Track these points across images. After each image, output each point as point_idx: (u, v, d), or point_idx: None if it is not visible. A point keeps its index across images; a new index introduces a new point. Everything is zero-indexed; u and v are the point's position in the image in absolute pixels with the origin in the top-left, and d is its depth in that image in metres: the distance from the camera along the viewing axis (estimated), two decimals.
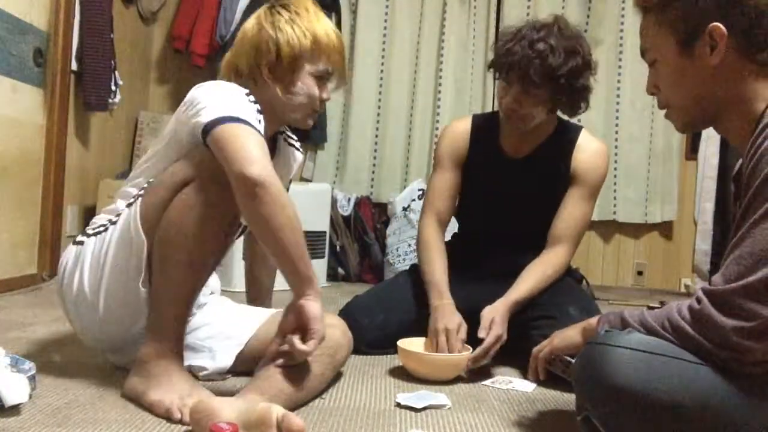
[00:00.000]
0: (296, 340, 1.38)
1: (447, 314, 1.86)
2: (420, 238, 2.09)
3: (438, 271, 1.98)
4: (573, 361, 1.49)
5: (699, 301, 1.05)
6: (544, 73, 1.84)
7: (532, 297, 1.92)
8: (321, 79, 1.60)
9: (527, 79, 1.85)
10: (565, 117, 2.11)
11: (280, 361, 1.39)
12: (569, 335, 1.37)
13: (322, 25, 1.60)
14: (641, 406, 1.04)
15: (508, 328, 1.83)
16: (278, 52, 1.55)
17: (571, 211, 2.02)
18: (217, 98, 1.44)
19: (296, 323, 1.40)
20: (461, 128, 2.15)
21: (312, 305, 1.39)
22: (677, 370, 1.04)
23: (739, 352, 1.03)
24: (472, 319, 1.88)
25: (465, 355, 1.79)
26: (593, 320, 1.30)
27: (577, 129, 2.10)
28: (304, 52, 1.56)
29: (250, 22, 1.62)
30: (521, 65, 1.85)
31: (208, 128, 1.39)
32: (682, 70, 1.18)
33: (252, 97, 1.52)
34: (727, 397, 1.04)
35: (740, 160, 1.28)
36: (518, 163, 2.07)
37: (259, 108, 1.52)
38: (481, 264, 2.12)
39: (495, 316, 1.83)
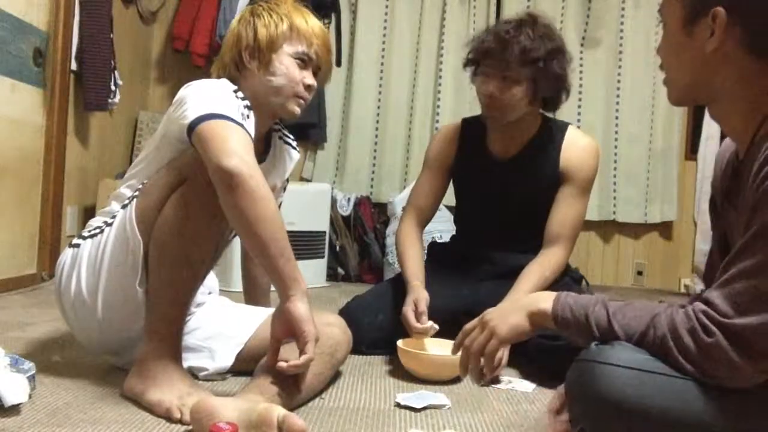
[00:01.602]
0: (284, 364, 1.34)
1: (414, 290, 1.93)
2: (398, 237, 2.13)
3: (411, 268, 2.02)
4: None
5: (709, 333, 0.99)
6: (521, 54, 1.87)
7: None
8: (302, 62, 1.61)
9: (505, 62, 1.88)
10: (550, 114, 2.10)
11: (283, 364, 1.36)
12: (516, 324, 1.21)
13: (302, 15, 1.63)
14: (635, 422, 1.02)
15: None
16: (255, 34, 1.58)
17: (565, 211, 2.02)
18: (203, 96, 1.45)
19: (285, 328, 1.37)
20: (450, 132, 2.18)
21: (297, 306, 1.35)
22: (669, 386, 1.02)
23: (746, 383, 1.00)
24: (472, 320, 1.87)
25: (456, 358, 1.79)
26: (543, 304, 1.18)
27: (564, 126, 2.10)
28: (280, 34, 1.59)
29: (235, 20, 1.66)
30: (498, 49, 1.88)
31: (192, 126, 1.39)
32: (680, 45, 1.11)
33: (240, 93, 1.53)
34: (720, 412, 1.02)
35: (724, 149, 1.25)
36: (506, 163, 2.08)
37: (248, 104, 1.53)
38: (478, 266, 2.12)
39: None
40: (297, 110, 1.64)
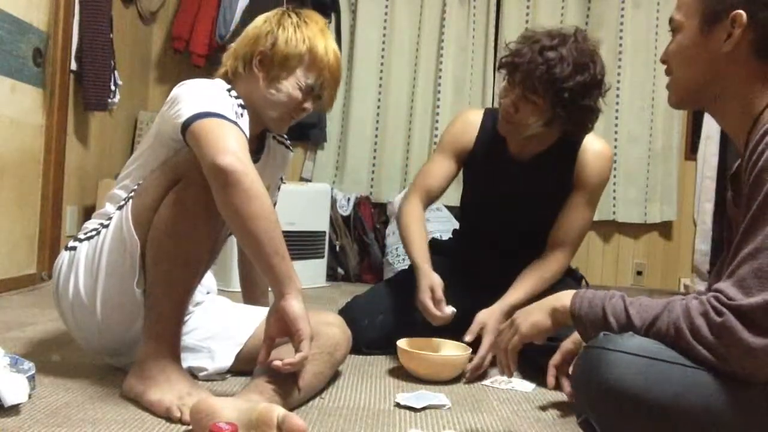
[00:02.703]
0: (279, 362, 1.34)
1: (427, 275, 1.87)
2: (402, 214, 2.05)
3: (418, 250, 1.96)
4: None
5: (719, 313, 1.01)
6: (548, 82, 1.79)
7: (529, 301, 1.88)
8: (307, 92, 1.62)
9: (529, 84, 1.81)
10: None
11: (278, 362, 1.35)
12: (537, 321, 1.29)
13: (325, 42, 1.62)
14: (640, 410, 1.03)
15: None
16: (274, 46, 1.58)
17: (573, 217, 2.01)
18: (196, 95, 1.45)
19: (280, 326, 1.37)
20: (471, 120, 2.13)
21: (292, 305, 1.35)
22: (677, 375, 1.03)
23: (760, 368, 1.00)
24: (472, 319, 1.87)
25: (465, 355, 1.79)
26: (564, 300, 1.23)
27: None
28: (296, 56, 1.58)
29: (261, 17, 1.65)
30: (526, 68, 1.81)
31: (186, 125, 1.39)
32: (694, 46, 1.16)
33: (234, 92, 1.54)
34: (727, 403, 1.02)
35: (737, 161, 1.27)
36: (522, 165, 2.04)
37: (242, 103, 1.54)
38: (482, 265, 2.12)
39: (488, 321, 1.84)
40: (285, 129, 1.68)
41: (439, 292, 1.83)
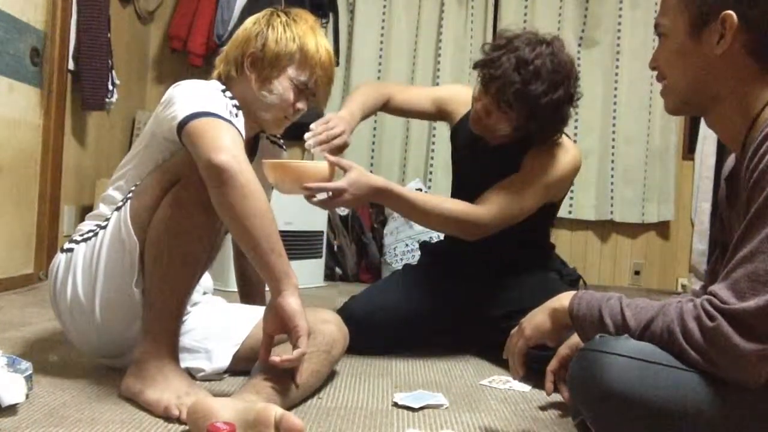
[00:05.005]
0: (277, 358, 1.34)
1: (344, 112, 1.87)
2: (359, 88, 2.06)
3: (352, 98, 1.97)
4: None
5: (712, 318, 1.01)
6: (522, 97, 1.78)
7: (412, 204, 1.82)
8: (299, 89, 1.62)
9: (503, 97, 1.80)
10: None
11: (276, 358, 1.36)
12: (539, 323, 1.29)
13: (315, 39, 1.62)
14: (635, 412, 1.03)
15: (483, 324, 1.82)
16: (264, 46, 1.58)
17: (501, 182, 1.91)
18: (191, 95, 1.45)
19: (278, 323, 1.37)
20: (466, 98, 2.08)
21: (289, 301, 1.35)
22: (672, 378, 1.03)
23: (752, 374, 1.00)
24: (465, 319, 1.87)
25: (318, 165, 1.64)
26: (564, 301, 1.23)
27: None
28: (287, 55, 1.58)
29: (250, 19, 1.65)
30: (501, 82, 1.79)
31: (182, 125, 1.39)
32: (686, 51, 1.14)
33: (229, 93, 1.54)
34: (720, 406, 1.03)
35: (729, 160, 1.26)
36: (490, 150, 2.02)
37: (236, 103, 1.54)
38: (472, 262, 2.10)
39: (354, 171, 1.72)
40: (280, 131, 1.67)
41: (340, 141, 1.75)
